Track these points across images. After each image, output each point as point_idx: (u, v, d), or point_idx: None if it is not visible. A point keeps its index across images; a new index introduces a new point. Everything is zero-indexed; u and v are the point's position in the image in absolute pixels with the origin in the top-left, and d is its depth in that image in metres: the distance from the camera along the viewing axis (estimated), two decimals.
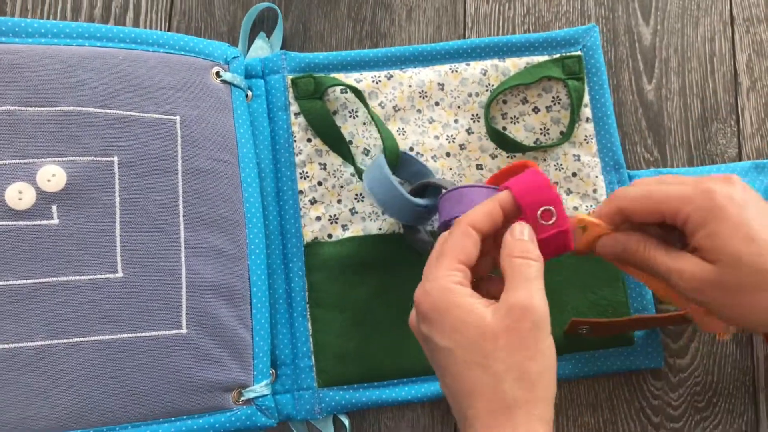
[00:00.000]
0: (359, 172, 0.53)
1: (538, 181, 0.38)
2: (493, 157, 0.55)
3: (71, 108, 0.48)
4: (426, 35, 0.59)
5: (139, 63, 0.50)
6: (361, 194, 0.54)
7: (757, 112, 0.58)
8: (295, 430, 0.51)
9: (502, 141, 0.54)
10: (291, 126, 0.54)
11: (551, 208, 0.37)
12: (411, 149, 0.54)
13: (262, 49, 0.57)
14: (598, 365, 0.52)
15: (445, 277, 0.36)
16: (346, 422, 0.51)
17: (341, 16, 0.59)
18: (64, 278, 0.46)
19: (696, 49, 0.59)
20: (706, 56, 0.59)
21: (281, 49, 0.57)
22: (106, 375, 0.46)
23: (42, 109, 0.48)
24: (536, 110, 0.55)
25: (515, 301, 0.35)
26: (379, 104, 0.55)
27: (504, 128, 0.55)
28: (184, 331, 0.47)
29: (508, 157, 0.55)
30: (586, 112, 0.55)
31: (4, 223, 0.46)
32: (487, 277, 0.41)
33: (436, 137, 0.55)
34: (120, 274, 0.47)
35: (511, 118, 0.55)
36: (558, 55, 0.56)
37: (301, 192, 0.54)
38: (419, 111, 0.55)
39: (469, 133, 0.55)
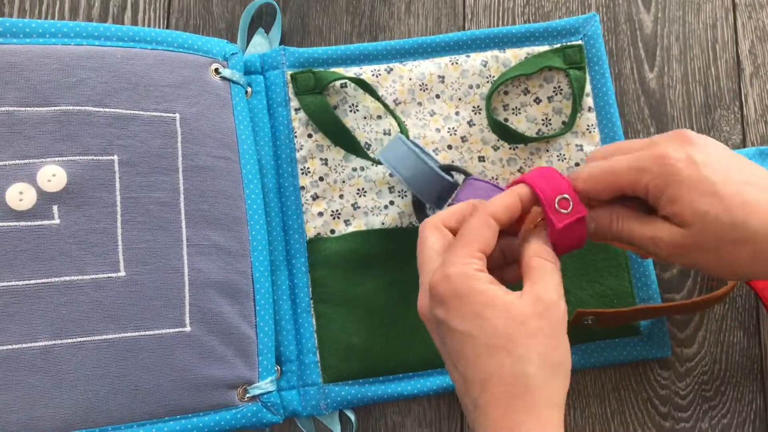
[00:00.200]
0: (370, 159, 0.53)
1: (550, 172, 0.39)
2: (495, 148, 0.54)
3: (70, 107, 0.48)
4: (425, 28, 0.58)
5: (138, 61, 0.50)
6: (363, 189, 0.53)
7: (760, 98, 0.57)
8: (302, 427, 0.51)
9: (504, 132, 0.54)
10: (291, 122, 0.54)
11: (567, 196, 0.38)
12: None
13: (260, 45, 0.56)
14: (604, 356, 0.51)
15: (466, 264, 0.36)
16: (352, 417, 0.51)
17: (340, 11, 0.58)
18: (67, 278, 0.46)
19: (698, 36, 0.58)
20: (709, 43, 0.58)
21: (280, 44, 0.57)
22: (111, 374, 0.45)
23: (41, 109, 0.47)
24: (538, 101, 0.55)
25: (543, 293, 0.36)
26: (380, 97, 0.54)
27: (506, 119, 0.55)
28: (187, 329, 0.47)
29: (510, 148, 0.54)
30: (588, 101, 0.55)
31: (5, 224, 0.46)
32: (497, 266, 0.41)
33: (438, 130, 0.54)
34: (122, 273, 0.47)
35: (513, 109, 0.55)
36: (559, 45, 0.55)
37: (302, 188, 0.53)
38: (420, 104, 0.55)
39: (470, 125, 0.54)
